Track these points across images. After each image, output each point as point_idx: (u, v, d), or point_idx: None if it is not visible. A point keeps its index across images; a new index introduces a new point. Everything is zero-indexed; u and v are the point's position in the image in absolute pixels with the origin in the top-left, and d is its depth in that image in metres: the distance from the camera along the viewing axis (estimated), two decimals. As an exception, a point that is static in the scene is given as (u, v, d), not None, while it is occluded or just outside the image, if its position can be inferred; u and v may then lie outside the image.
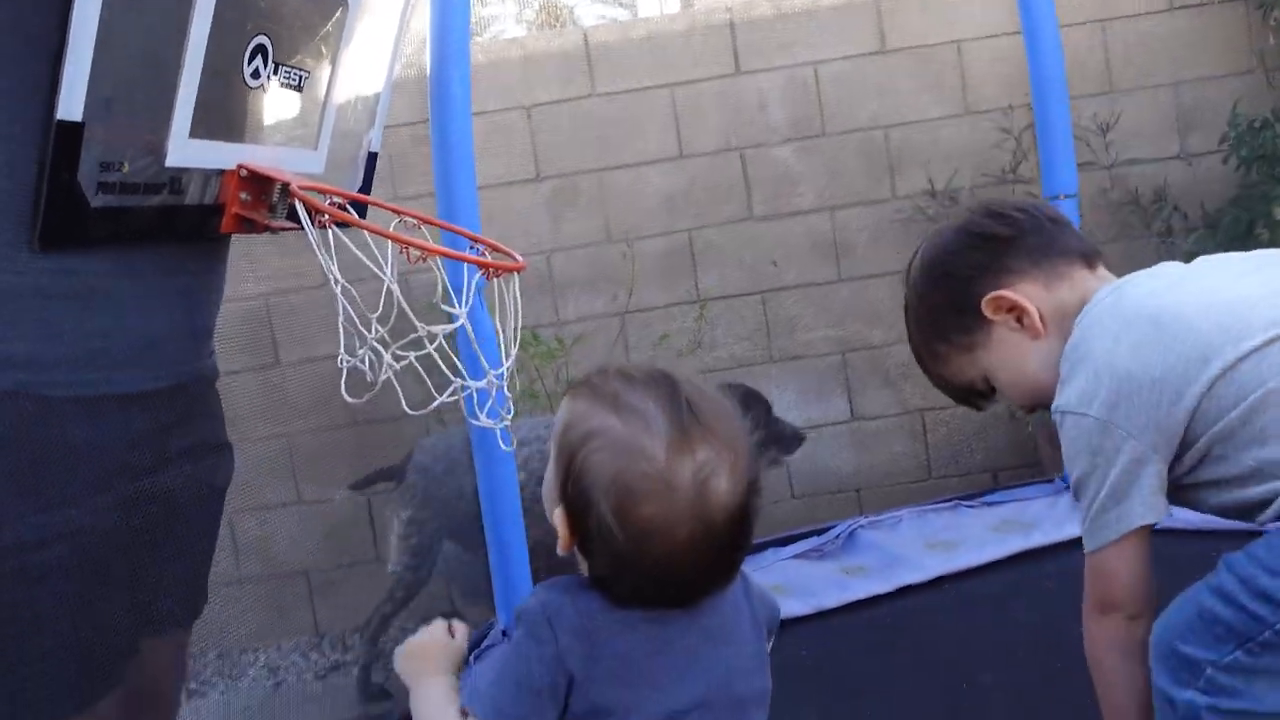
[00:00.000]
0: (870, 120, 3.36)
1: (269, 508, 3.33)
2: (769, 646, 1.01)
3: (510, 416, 1.41)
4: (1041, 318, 1.22)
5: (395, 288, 1.22)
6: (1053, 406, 1.16)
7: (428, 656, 1.05)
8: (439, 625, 1.09)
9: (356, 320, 1.21)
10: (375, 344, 1.16)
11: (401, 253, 1.14)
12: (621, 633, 0.89)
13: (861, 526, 2.38)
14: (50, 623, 1.11)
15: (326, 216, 1.11)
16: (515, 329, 1.30)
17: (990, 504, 2.53)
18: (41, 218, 0.95)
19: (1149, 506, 1.11)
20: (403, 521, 2.78)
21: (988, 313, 1.24)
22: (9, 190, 0.96)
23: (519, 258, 1.31)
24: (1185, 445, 1.11)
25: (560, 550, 0.90)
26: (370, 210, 1.47)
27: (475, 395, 1.39)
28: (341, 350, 1.17)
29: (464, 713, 0.95)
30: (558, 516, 0.89)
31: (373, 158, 1.57)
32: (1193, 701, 1.07)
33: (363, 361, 1.20)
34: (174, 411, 1.23)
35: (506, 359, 1.33)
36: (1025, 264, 1.23)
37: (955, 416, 3.42)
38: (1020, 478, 3.28)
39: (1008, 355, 1.25)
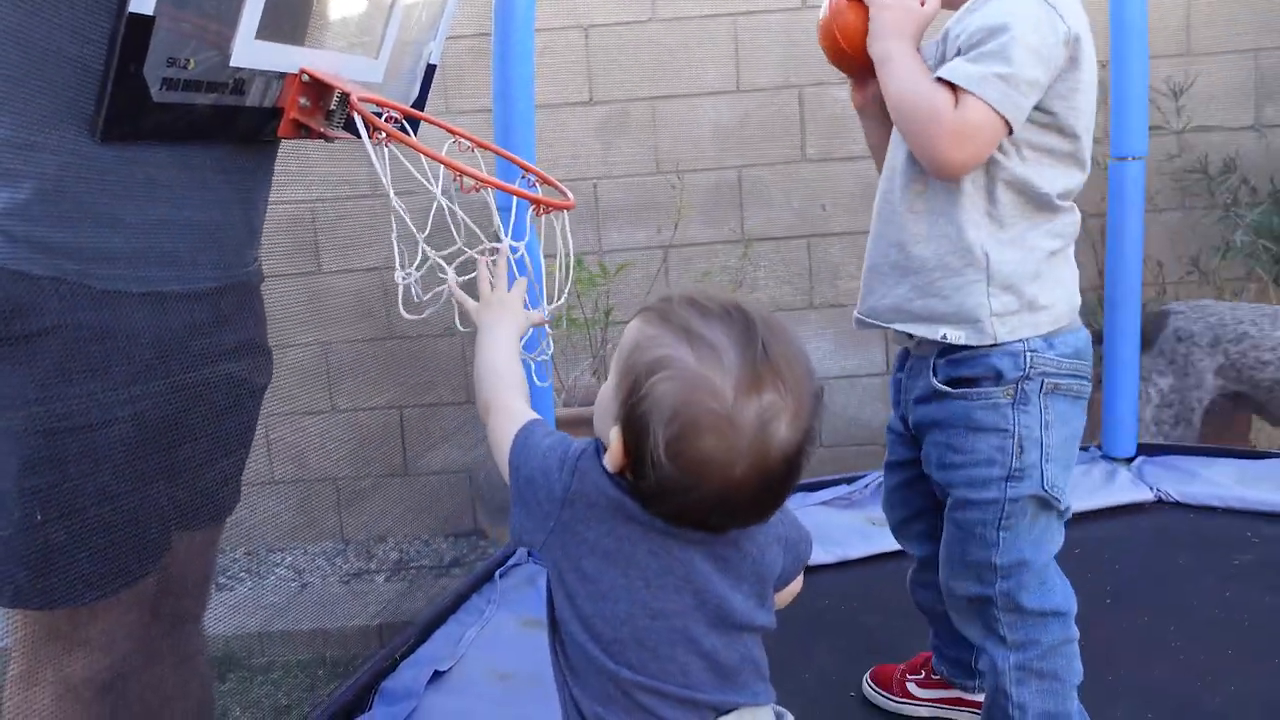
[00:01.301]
0: (935, 66, 3.27)
1: (303, 414, 3.38)
2: (794, 586, 1.03)
3: (549, 352, 1.40)
4: None
5: (447, 204, 1.21)
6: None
7: (506, 309, 1.14)
8: (519, 287, 1.17)
9: (413, 234, 1.19)
10: (436, 259, 1.15)
11: (455, 180, 1.12)
12: (625, 522, 0.90)
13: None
14: (105, 501, 1.13)
15: (384, 134, 1.09)
16: (568, 267, 1.29)
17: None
18: (105, 109, 0.94)
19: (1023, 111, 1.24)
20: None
21: None
22: (79, 82, 0.96)
23: (570, 195, 1.28)
24: None
25: (609, 465, 0.90)
26: (425, 126, 1.45)
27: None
28: (398, 266, 1.16)
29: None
30: (613, 434, 0.88)
31: (431, 70, 1.54)
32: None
33: (414, 279, 1.19)
34: (221, 311, 1.24)
35: (560, 296, 1.32)
36: None
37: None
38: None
39: None
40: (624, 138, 3.35)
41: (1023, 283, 1.28)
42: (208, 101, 1.05)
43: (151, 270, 1.10)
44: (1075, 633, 1.33)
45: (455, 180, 1.12)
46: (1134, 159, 2.47)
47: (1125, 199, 2.51)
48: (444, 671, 1.63)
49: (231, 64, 1.05)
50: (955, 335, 1.29)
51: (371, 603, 2.89)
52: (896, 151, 1.36)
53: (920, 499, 1.46)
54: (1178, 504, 2.34)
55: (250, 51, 1.06)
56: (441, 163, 1.11)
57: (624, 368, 0.90)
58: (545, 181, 1.34)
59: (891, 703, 1.62)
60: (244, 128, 1.14)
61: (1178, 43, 3.23)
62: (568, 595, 0.92)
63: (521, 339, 1.15)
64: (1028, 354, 1.28)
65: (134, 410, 1.12)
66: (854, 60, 1.39)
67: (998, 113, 1.21)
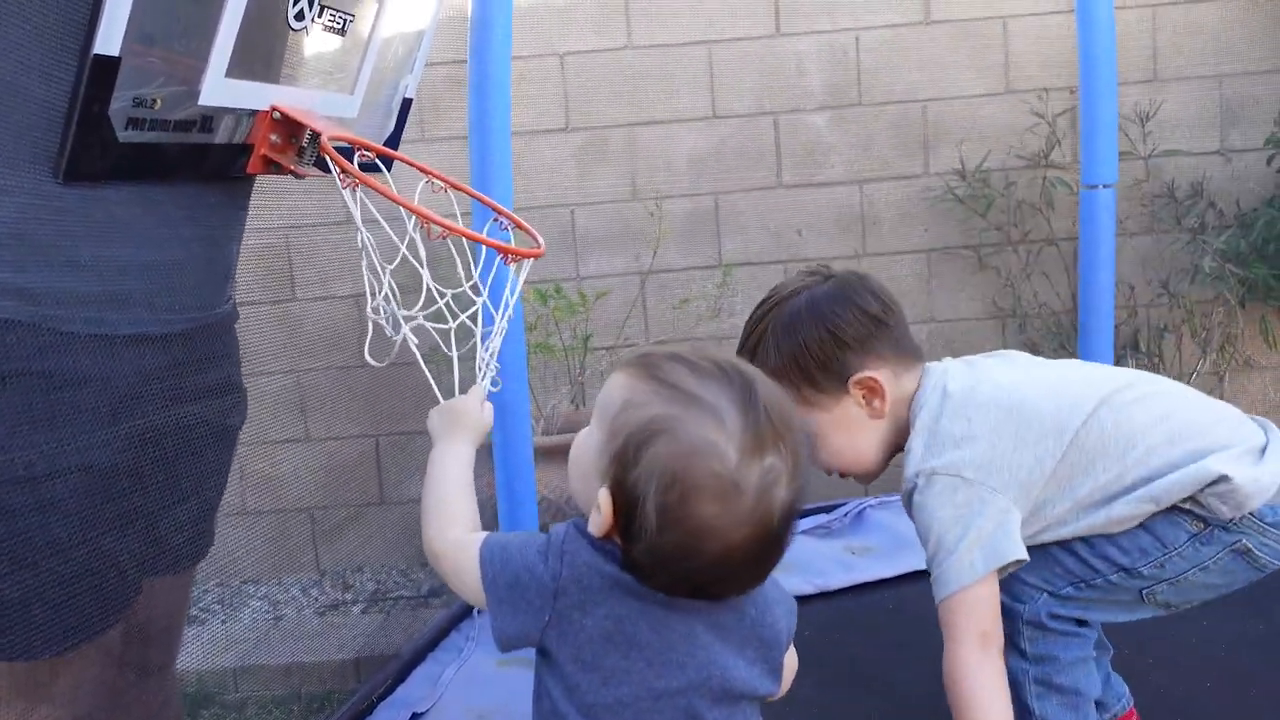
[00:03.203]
0: (907, 92, 3.29)
1: (276, 443, 3.34)
2: (791, 661, 1.00)
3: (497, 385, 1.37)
4: (883, 403, 1.36)
5: (411, 258, 1.19)
6: (914, 471, 1.29)
7: (459, 419, 1.09)
8: (476, 392, 1.12)
9: (380, 273, 1.18)
10: (398, 313, 1.14)
11: (423, 226, 1.11)
12: (623, 599, 0.87)
13: (871, 506, 2.37)
14: (60, 553, 1.10)
15: (353, 179, 1.08)
16: (510, 305, 1.27)
17: (1002, 493, 2.51)
18: (69, 150, 0.93)
19: (1017, 544, 1.25)
20: None
21: (850, 387, 1.35)
22: (41, 122, 0.94)
23: (541, 241, 1.28)
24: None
25: (596, 530, 0.87)
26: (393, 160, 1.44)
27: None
28: (369, 306, 1.15)
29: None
30: (601, 496, 0.85)
31: (407, 104, 1.54)
32: (1035, 609, 1.31)
33: (384, 317, 1.18)
34: (190, 353, 1.21)
35: (499, 329, 1.30)
36: (889, 352, 1.36)
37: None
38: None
39: (846, 427, 1.38)
40: (601, 164, 3.35)
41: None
42: (175, 140, 1.04)
43: (111, 313, 1.07)
44: (1091, 652, 1.35)
45: (423, 226, 1.11)
46: (1104, 186, 2.51)
47: (1097, 225, 2.54)
48: (422, 714, 1.61)
49: (200, 102, 1.04)
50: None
51: (348, 636, 2.85)
52: None
53: None
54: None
55: (220, 89, 1.05)
56: (409, 209, 1.10)
57: (612, 427, 0.87)
58: (519, 226, 1.33)
59: None
60: (212, 165, 1.13)
61: (1144, 68, 3.27)
62: (568, 689, 0.88)
63: (476, 446, 1.10)
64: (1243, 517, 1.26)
65: (94, 458, 1.09)
66: None
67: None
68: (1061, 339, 3.18)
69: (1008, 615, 1.33)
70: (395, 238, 1.14)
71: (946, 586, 1.25)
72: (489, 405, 1.12)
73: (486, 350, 1.20)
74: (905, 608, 1.96)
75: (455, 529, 0.98)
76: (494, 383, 1.22)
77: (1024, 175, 3.25)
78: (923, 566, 2.13)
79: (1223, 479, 1.21)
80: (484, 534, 0.95)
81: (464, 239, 1.14)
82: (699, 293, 3.35)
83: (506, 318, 1.23)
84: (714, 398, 0.84)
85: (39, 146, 0.95)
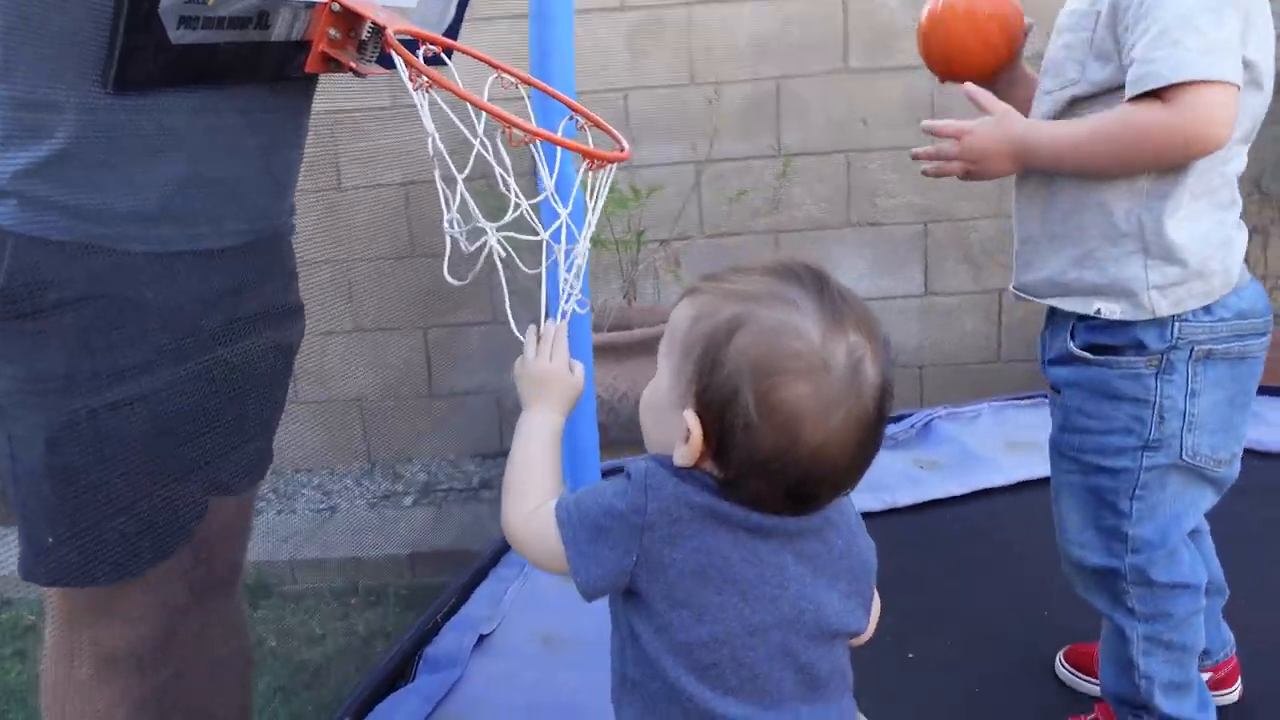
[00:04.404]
0: (988, -31, 3.06)
1: (324, 334, 3.31)
2: (874, 606, 0.94)
3: (583, 309, 1.29)
4: None
5: (501, 171, 1.10)
6: None
7: (549, 385, 1.01)
8: (563, 354, 1.04)
9: (453, 181, 1.09)
10: (484, 223, 1.05)
11: (503, 130, 1.01)
12: (715, 530, 0.83)
13: (939, 418, 2.29)
14: (129, 477, 1.07)
15: (425, 78, 0.97)
16: (594, 217, 1.18)
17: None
18: (118, 55, 0.84)
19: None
20: None
21: None
22: (89, 30, 0.85)
23: (625, 144, 1.17)
24: None
25: (684, 461, 0.82)
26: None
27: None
28: (445, 217, 1.06)
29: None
30: (688, 418, 0.81)
31: (466, -10, 1.41)
32: (1136, 562, 1.26)
33: (460, 231, 1.09)
34: (250, 269, 1.15)
35: (584, 246, 1.21)
36: None
37: (1036, 299, 3.27)
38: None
39: None
40: (657, 46, 3.17)
41: (1185, 251, 1.20)
42: (230, 39, 0.94)
43: (170, 229, 1.01)
44: (1203, 603, 1.30)
45: (503, 130, 1.01)
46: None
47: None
48: (487, 635, 1.59)
49: (255, -4, 0.93)
50: (1110, 310, 1.23)
51: (402, 529, 2.87)
52: (1038, 109, 1.29)
53: None
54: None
55: (277, -20, 0.94)
56: (490, 113, 1.00)
57: (685, 343, 0.83)
58: (596, 126, 1.22)
59: (1093, 686, 1.51)
60: (269, 66, 1.03)
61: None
62: (658, 629, 0.84)
63: (567, 412, 1.02)
64: (1176, 324, 1.21)
65: (166, 380, 1.05)
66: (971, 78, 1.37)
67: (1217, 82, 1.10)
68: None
69: (1109, 576, 1.29)
70: (477, 142, 1.04)
71: (1177, 74, 1.11)
72: (579, 366, 1.03)
73: (570, 269, 1.11)
74: (977, 527, 1.91)
75: (528, 502, 0.92)
76: (579, 304, 1.13)
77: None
78: (994, 484, 2.08)
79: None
80: (554, 500, 0.90)
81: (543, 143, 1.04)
82: (756, 184, 3.21)
83: (590, 233, 1.14)
84: (783, 288, 0.81)
85: (85, 56, 0.88)
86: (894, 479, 2.06)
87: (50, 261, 0.96)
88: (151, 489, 1.10)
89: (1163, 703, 1.28)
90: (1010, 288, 1.38)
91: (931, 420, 2.29)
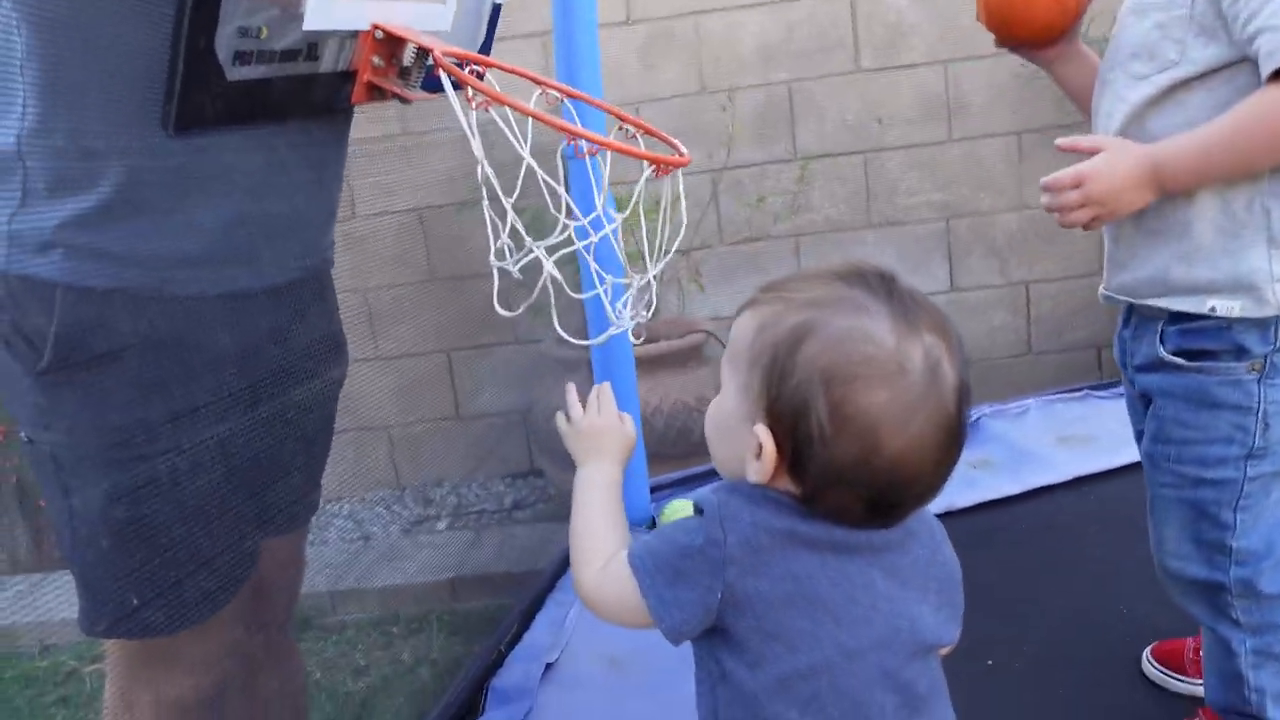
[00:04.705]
0: (996, -39, 3.04)
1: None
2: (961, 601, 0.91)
3: (649, 314, 1.28)
4: None
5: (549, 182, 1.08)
6: None
7: (602, 438, 0.97)
8: (611, 406, 1.01)
9: (502, 205, 1.07)
10: (535, 245, 1.03)
11: (569, 142, 0.99)
12: (799, 555, 0.79)
13: (986, 415, 2.26)
14: (185, 527, 1.06)
15: (482, 97, 0.96)
16: (669, 229, 1.16)
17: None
18: (177, 95, 0.82)
19: None
20: None
21: None
22: (139, 69, 0.84)
23: (683, 149, 1.15)
24: None
25: (757, 478, 0.79)
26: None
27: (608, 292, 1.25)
28: (492, 250, 1.04)
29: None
30: (759, 433, 0.78)
31: (497, 9, 1.39)
32: (1242, 574, 1.19)
33: (509, 261, 1.07)
34: (299, 306, 1.15)
35: (665, 255, 1.20)
36: None
37: (1062, 290, 3.25)
38: (1126, 357, 3.13)
39: None
40: (666, 57, 3.16)
41: None
42: (282, 73, 0.93)
43: (231, 269, 0.99)
44: None
45: (569, 143, 1.00)
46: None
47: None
48: (553, 662, 1.56)
49: (305, 26, 0.92)
50: (1228, 307, 1.14)
51: (440, 555, 2.84)
52: (1128, 95, 1.18)
53: None
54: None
55: (325, 8, 0.93)
56: (556, 127, 0.98)
57: (751, 354, 0.79)
58: (649, 134, 1.21)
59: (1186, 685, 1.47)
60: (319, 98, 1.02)
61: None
62: (753, 664, 0.81)
63: (624, 463, 0.98)
64: (1279, 324, 1.14)
65: (221, 425, 1.03)
66: (1033, 39, 1.29)
67: None
68: None
69: (1211, 589, 1.24)
70: (525, 161, 1.02)
71: None
72: (628, 418, 1.00)
73: (639, 282, 1.09)
74: (1038, 526, 1.88)
75: (598, 559, 0.88)
76: (639, 321, 1.11)
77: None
78: (1050, 481, 2.03)
79: None
80: (624, 552, 0.85)
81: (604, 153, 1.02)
82: (775, 188, 3.19)
83: (669, 245, 1.12)
84: (851, 292, 0.78)
85: (136, 100, 0.87)
86: (950, 481, 2.02)
87: (99, 312, 0.94)
88: (209, 535, 1.09)
89: (1275, 714, 1.22)
90: (1100, 291, 1.30)
91: (979, 418, 2.26)
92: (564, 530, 2.08)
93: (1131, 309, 1.27)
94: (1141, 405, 1.31)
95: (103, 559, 1.03)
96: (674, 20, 3.13)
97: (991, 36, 1.40)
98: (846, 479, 0.76)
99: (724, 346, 3.21)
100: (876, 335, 0.75)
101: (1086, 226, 1.19)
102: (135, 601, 1.05)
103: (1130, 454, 2.12)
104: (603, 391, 1.02)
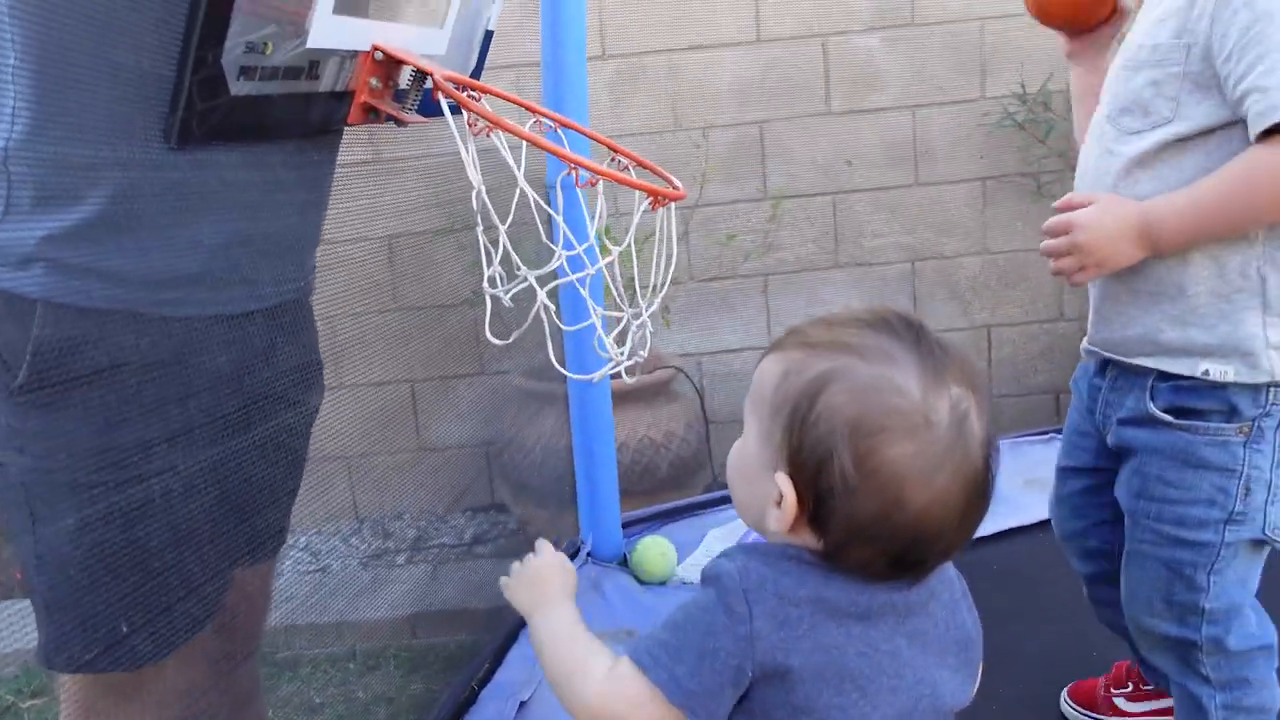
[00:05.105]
0: (964, 10, 3.12)
1: (309, 390, 3.22)
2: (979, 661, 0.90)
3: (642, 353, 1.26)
4: None
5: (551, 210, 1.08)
6: None
7: (546, 582, 0.94)
8: (549, 549, 0.98)
9: (496, 231, 1.06)
10: (529, 274, 1.02)
11: (569, 172, 0.98)
12: (825, 626, 0.77)
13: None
14: (161, 556, 1.02)
15: (482, 122, 0.95)
16: (668, 262, 1.16)
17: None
18: (182, 108, 0.80)
19: None
20: None
21: None
22: (141, 81, 0.82)
23: (677, 183, 1.15)
24: None
25: (778, 528, 0.77)
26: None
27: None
28: (485, 277, 1.03)
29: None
30: (780, 482, 0.76)
31: (488, 36, 1.40)
32: (1212, 632, 1.21)
33: (501, 288, 1.06)
34: (284, 331, 1.12)
35: (660, 290, 1.19)
36: None
37: (1022, 335, 3.30)
38: (1085, 401, 3.19)
39: None
40: (637, 94, 3.18)
41: None
42: (284, 90, 0.90)
43: (219, 291, 0.96)
44: (1276, 662, 1.26)
45: (569, 172, 0.99)
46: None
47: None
48: (527, 700, 1.52)
49: (309, 44, 0.90)
50: (1221, 371, 1.13)
51: (399, 591, 2.78)
52: (1121, 150, 1.17)
53: (1100, 510, 1.35)
54: None
55: (329, 27, 0.91)
56: (557, 154, 0.97)
57: (774, 400, 0.77)
58: (641, 165, 1.20)
59: None
60: (316, 117, 1.00)
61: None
62: None
63: (572, 600, 0.94)
64: (1272, 390, 1.14)
65: (199, 452, 1.00)
66: (1066, 17, 1.30)
67: None
68: (1124, 271, 3.07)
69: (1183, 646, 1.25)
70: (519, 187, 1.01)
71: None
72: (564, 558, 0.97)
73: (641, 314, 1.09)
74: (1004, 569, 1.89)
75: (595, 671, 0.83)
76: (637, 360, 1.10)
77: (1087, 100, 3.10)
78: (1018, 523, 2.05)
79: None
80: (624, 658, 0.81)
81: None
82: (745, 227, 3.21)
83: (668, 271, 1.11)
84: (878, 341, 0.76)
85: (136, 112, 0.85)
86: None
87: (80, 331, 0.91)
88: (180, 566, 1.04)
89: None
90: (1083, 346, 1.30)
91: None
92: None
93: (1108, 360, 1.27)
94: (1101, 451, 1.32)
95: (68, 590, 0.99)
96: (647, 56, 3.16)
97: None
98: (869, 533, 0.74)
99: (692, 383, 3.19)
100: (902, 386, 0.74)
101: (1073, 278, 1.18)
102: (101, 634, 1.01)
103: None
104: (540, 542, 0.99)
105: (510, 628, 1.76)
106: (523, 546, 2.39)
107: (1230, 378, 1.14)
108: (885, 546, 0.75)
